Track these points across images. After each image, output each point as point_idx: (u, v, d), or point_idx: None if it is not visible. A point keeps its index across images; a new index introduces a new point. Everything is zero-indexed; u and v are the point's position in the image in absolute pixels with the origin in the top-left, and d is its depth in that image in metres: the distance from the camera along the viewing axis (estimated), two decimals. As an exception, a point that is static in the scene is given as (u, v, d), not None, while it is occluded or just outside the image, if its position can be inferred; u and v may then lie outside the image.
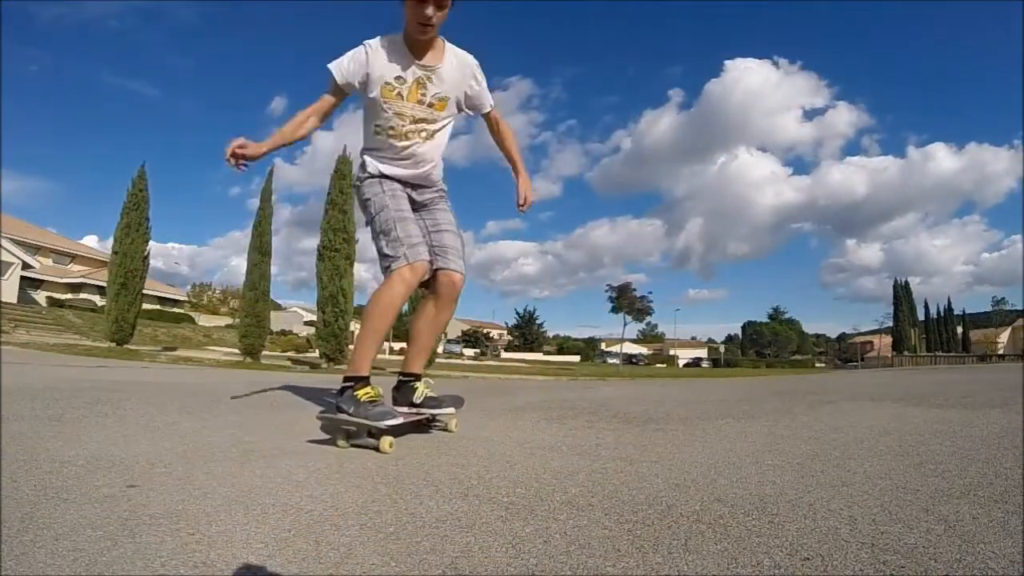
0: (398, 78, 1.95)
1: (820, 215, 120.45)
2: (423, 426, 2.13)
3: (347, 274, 10.75)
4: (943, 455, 1.74)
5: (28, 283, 28.21)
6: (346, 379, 1.93)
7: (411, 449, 1.84)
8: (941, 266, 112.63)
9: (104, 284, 15.69)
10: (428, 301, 2.14)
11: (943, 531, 1.05)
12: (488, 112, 2.22)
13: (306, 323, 41.64)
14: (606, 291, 34.38)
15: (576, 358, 57.26)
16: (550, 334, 74.56)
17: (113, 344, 12.09)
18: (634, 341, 68.47)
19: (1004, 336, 51.89)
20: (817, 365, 53.56)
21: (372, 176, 2.08)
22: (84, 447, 1.68)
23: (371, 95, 1.96)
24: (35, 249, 29.99)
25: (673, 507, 1.22)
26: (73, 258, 34.36)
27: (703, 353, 65.88)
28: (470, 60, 2.09)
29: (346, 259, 10.78)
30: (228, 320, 37.57)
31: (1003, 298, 55.81)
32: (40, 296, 29.28)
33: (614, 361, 47.92)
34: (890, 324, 49.87)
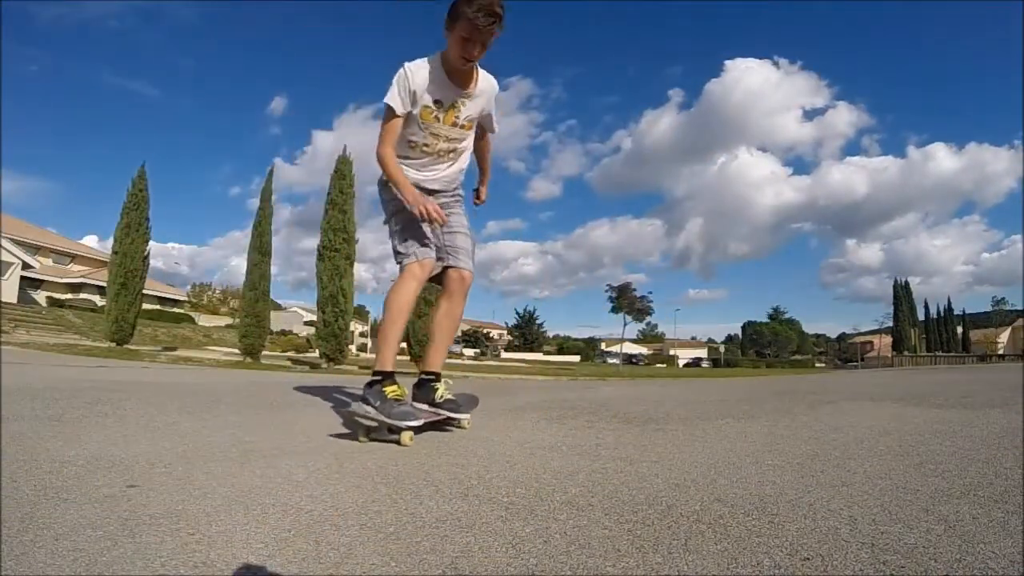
0: (437, 102, 2.10)
1: (820, 215, 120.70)
2: (440, 424, 2.22)
3: (347, 274, 10.75)
4: (943, 455, 1.74)
5: (28, 283, 28.21)
6: (374, 374, 2.08)
7: (411, 449, 1.84)
8: (941, 266, 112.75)
9: (104, 284, 15.69)
10: (441, 298, 2.31)
11: (943, 531, 1.05)
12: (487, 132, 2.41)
13: (306, 323, 41.63)
14: (606, 291, 34.46)
15: (576, 358, 57.30)
16: (550, 334, 74.62)
17: (113, 344, 12.09)
18: (634, 341, 68.48)
19: (1004, 336, 51.90)
20: (817, 365, 53.55)
21: None
22: (84, 447, 1.68)
23: (413, 112, 2.10)
24: (35, 249, 29.98)
25: (673, 507, 1.22)
26: (73, 258, 34.36)
27: (703, 353, 65.89)
28: (495, 84, 2.25)
29: (346, 259, 10.78)
30: (228, 320, 37.57)
31: (1003, 298, 55.91)
32: (40, 296, 29.27)
33: (614, 361, 47.93)
34: (890, 324, 49.87)
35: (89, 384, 3.65)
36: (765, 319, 77.27)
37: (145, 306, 16.42)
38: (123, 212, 12.40)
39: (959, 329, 51.14)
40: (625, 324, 34.74)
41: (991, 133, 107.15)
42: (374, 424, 1.93)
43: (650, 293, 49.87)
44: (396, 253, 2.18)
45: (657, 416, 2.77)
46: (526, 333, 68.35)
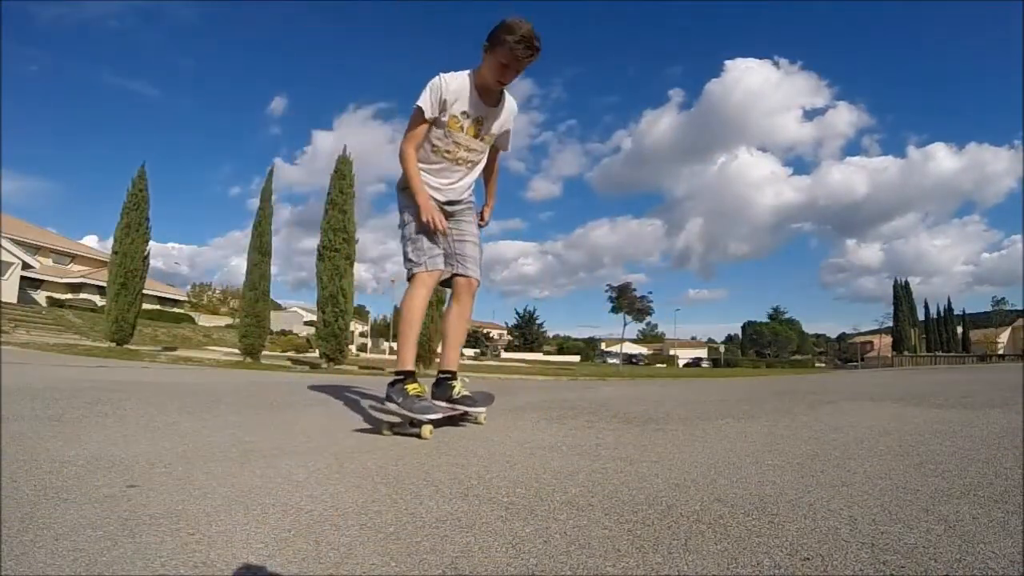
0: (464, 113, 2.25)
1: (820, 215, 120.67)
2: (457, 419, 2.35)
3: (347, 274, 10.75)
4: (943, 455, 1.74)
5: (28, 283, 28.21)
6: (397, 373, 2.22)
7: (411, 449, 1.84)
8: (941, 266, 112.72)
9: (104, 284, 15.69)
10: (451, 303, 2.49)
11: (943, 531, 1.05)
12: (499, 151, 2.56)
13: (306, 323, 41.64)
14: (606, 291, 34.49)
15: (576, 358, 57.29)
16: (550, 334, 74.61)
17: (113, 344, 12.09)
18: (634, 341, 68.48)
19: (1004, 336, 51.89)
20: (817, 365, 53.55)
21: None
22: (84, 447, 1.68)
23: (441, 119, 2.24)
24: (35, 249, 29.99)
25: (673, 507, 1.22)
26: (73, 258, 34.36)
27: (703, 353, 65.90)
28: (515, 106, 2.44)
29: (346, 259, 10.78)
30: (228, 320, 37.58)
31: (1003, 298, 55.88)
32: (40, 296, 29.28)
33: (614, 361, 47.94)
34: (890, 324, 49.87)
35: (89, 384, 3.65)
36: (765, 319, 77.29)
37: (145, 306, 16.42)
38: (123, 212, 12.40)
39: (959, 329, 51.13)
40: (625, 324, 34.79)
41: (991, 133, 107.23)
42: (397, 419, 2.09)
43: (650, 293, 49.96)
44: (407, 260, 2.31)
45: (657, 416, 2.77)
46: (526, 333, 68.35)
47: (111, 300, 12.30)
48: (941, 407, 3.02)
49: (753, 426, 2.43)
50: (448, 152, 2.30)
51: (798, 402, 3.46)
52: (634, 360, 53.72)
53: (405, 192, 2.33)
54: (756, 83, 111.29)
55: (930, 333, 50.18)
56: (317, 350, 12.18)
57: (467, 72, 2.24)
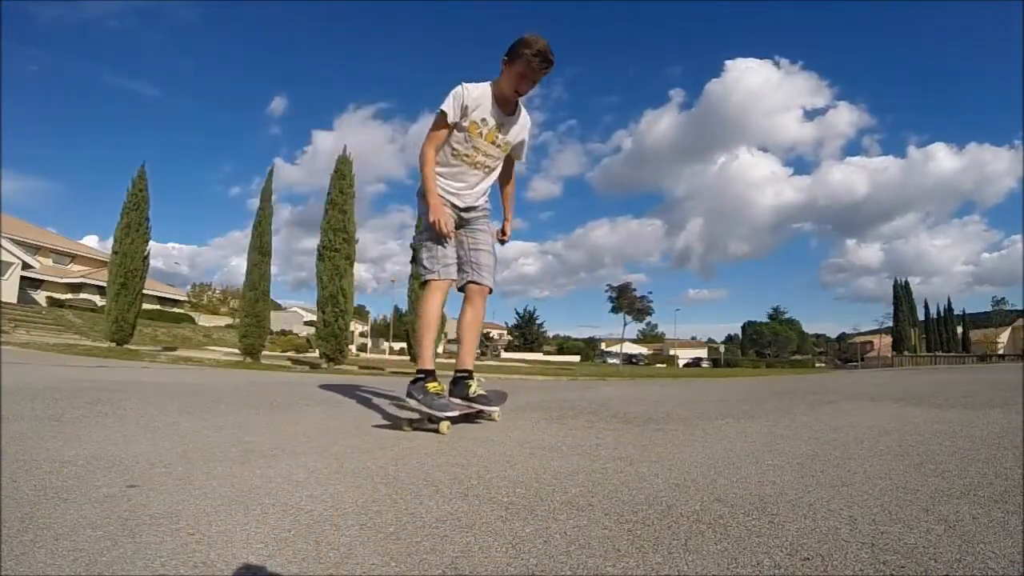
0: (483, 120, 2.40)
1: (820, 215, 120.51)
2: (473, 416, 2.45)
3: (347, 274, 10.76)
4: (943, 455, 1.74)
5: (28, 283, 28.20)
6: (418, 371, 2.36)
7: (411, 449, 1.84)
8: (941, 266, 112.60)
9: (104, 284, 15.69)
10: (466, 307, 2.59)
11: (943, 531, 1.05)
12: (514, 162, 2.70)
13: (306, 323, 41.64)
14: (606, 291, 34.45)
15: (576, 358, 57.29)
16: (550, 334, 74.61)
17: (113, 344, 12.09)
18: (634, 341, 68.47)
19: (1004, 336, 51.88)
20: (817, 365, 53.55)
21: None
22: (84, 447, 1.68)
23: (462, 124, 2.38)
24: (35, 249, 29.98)
25: (673, 507, 1.22)
26: (73, 258, 34.36)
27: (703, 353, 65.90)
28: (529, 119, 2.59)
29: (346, 259, 10.78)
30: (228, 320, 37.58)
31: (1003, 298, 55.86)
32: (40, 296, 29.27)
33: (614, 361, 47.93)
34: (890, 324, 49.85)
35: (89, 384, 3.65)
36: (765, 319, 77.28)
37: (145, 306, 16.42)
38: (123, 212, 12.41)
39: (959, 329, 51.12)
40: (625, 324, 34.76)
41: (991, 133, 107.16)
42: (417, 416, 2.22)
43: (650, 293, 49.90)
44: (422, 266, 2.45)
45: (657, 416, 2.77)
46: (526, 333, 68.35)
47: (111, 300, 12.30)
48: (941, 407, 3.02)
49: (753, 426, 2.43)
50: (467, 156, 2.44)
51: (798, 402, 3.46)
52: (634, 360, 53.70)
53: (423, 199, 2.43)
54: (756, 83, 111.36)
55: (930, 333, 50.18)
56: (317, 350, 12.18)
57: (487, 83, 2.40)
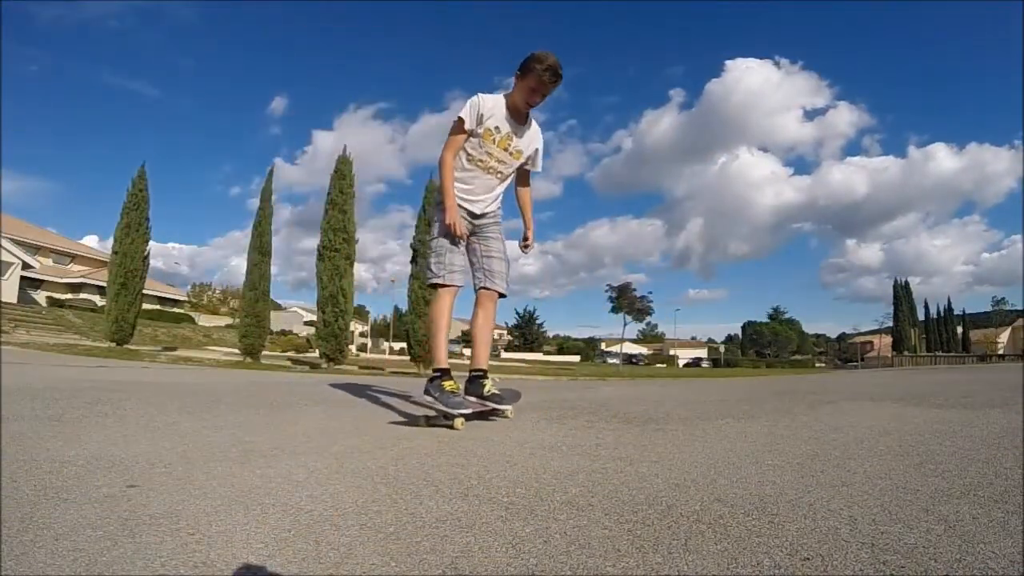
0: (496, 128, 2.54)
1: (820, 215, 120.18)
2: (487, 414, 2.55)
3: (347, 274, 10.76)
4: (943, 455, 1.74)
5: (28, 283, 28.20)
6: (435, 371, 2.46)
7: (411, 449, 1.84)
8: (941, 266, 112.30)
9: (104, 284, 15.69)
10: (477, 310, 2.69)
11: (943, 531, 1.05)
12: (530, 171, 2.81)
13: (306, 323, 41.65)
14: (606, 291, 34.40)
15: (576, 358, 57.28)
16: (550, 334, 74.60)
17: (113, 344, 12.10)
18: (634, 341, 68.44)
19: (1004, 336, 51.88)
20: (817, 365, 53.55)
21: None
22: (84, 447, 1.68)
23: (477, 131, 2.52)
24: (35, 249, 29.98)
25: (673, 507, 1.22)
26: (73, 258, 34.36)
27: (703, 353, 65.89)
28: (540, 131, 2.74)
29: (346, 259, 10.79)
30: (228, 320, 37.58)
31: (1003, 298, 55.83)
32: (40, 296, 29.27)
33: (614, 361, 47.93)
34: (890, 324, 49.83)
35: (89, 384, 3.66)
36: (765, 319, 77.27)
37: (145, 306, 16.43)
38: (123, 212, 12.41)
39: (959, 329, 51.11)
40: (625, 324, 34.70)
41: (991, 133, 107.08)
42: (433, 413, 2.35)
43: (650, 293, 49.87)
44: (429, 269, 2.57)
45: (657, 416, 2.77)
46: (526, 333, 68.33)
47: (111, 300, 12.31)
48: (941, 407, 3.02)
49: (753, 426, 2.43)
50: (481, 161, 2.58)
51: (798, 402, 3.46)
52: (634, 360, 53.70)
53: (439, 205, 2.57)
54: (757, 83, 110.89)
55: (930, 333, 50.16)
56: (317, 350, 12.18)
57: (501, 93, 2.57)
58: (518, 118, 2.59)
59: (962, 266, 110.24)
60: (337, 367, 10.36)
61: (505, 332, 71.37)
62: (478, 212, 2.62)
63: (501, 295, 2.68)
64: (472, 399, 2.47)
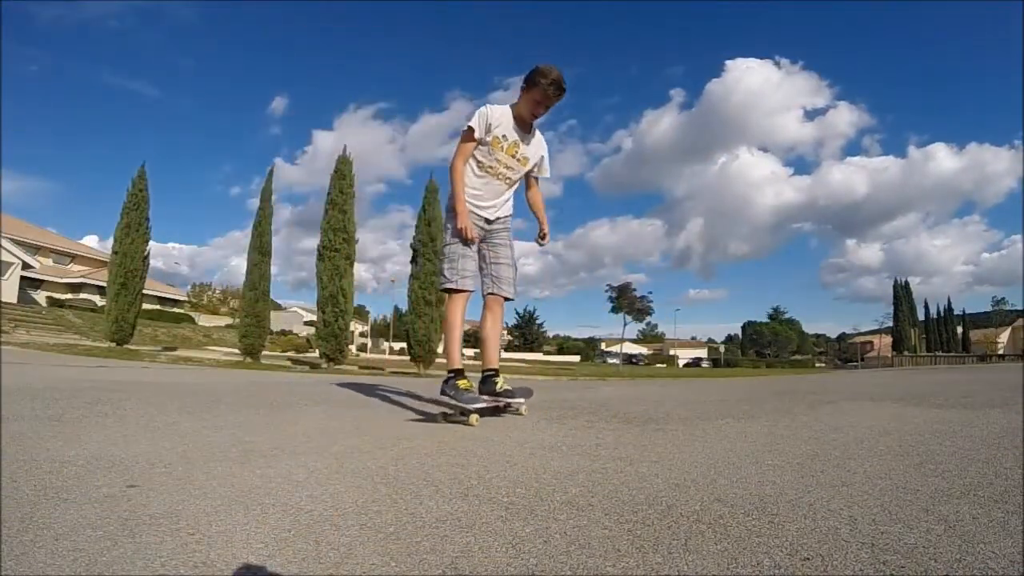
0: (504, 136, 2.68)
1: (820, 215, 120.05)
2: (500, 410, 2.68)
3: (347, 274, 10.75)
4: (943, 455, 1.74)
5: (28, 283, 28.20)
6: (449, 371, 2.60)
7: (411, 449, 1.84)
8: (941, 266, 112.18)
9: (104, 284, 15.69)
10: (486, 313, 2.82)
11: (943, 531, 1.05)
12: (538, 176, 2.95)
13: (306, 323, 41.64)
14: (606, 291, 34.41)
15: (576, 358, 57.26)
16: (550, 334, 74.59)
17: (113, 344, 12.09)
18: (634, 341, 68.45)
19: (1004, 336, 51.88)
20: (817, 365, 53.54)
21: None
22: (84, 447, 1.68)
23: (486, 139, 2.65)
24: (35, 249, 29.98)
25: (673, 507, 1.22)
26: (73, 258, 34.35)
27: (703, 353, 65.89)
28: (543, 140, 2.88)
29: (346, 259, 10.78)
30: (228, 320, 37.58)
31: (1003, 298, 55.81)
32: (40, 296, 29.27)
33: (614, 361, 47.93)
34: (890, 324, 49.83)
35: (89, 384, 3.66)
36: (765, 319, 77.27)
37: (145, 306, 16.42)
38: (123, 212, 12.41)
39: (959, 329, 51.11)
40: (625, 324, 34.71)
41: (991, 133, 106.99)
42: (450, 411, 2.52)
43: (650, 293, 49.88)
44: (442, 275, 2.70)
45: (657, 416, 2.77)
46: (526, 333, 68.31)
47: (111, 300, 12.30)
48: (941, 407, 3.02)
49: (753, 426, 2.43)
50: (491, 167, 2.71)
51: (798, 402, 3.46)
52: (634, 360, 53.69)
53: (451, 212, 2.69)
54: (757, 83, 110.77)
55: (930, 333, 50.16)
56: (317, 350, 12.18)
57: (507, 105, 2.72)
58: (523, 127, 2.72)
59: (962, 266, 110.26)
60: (337, 367, 10.36)
61: (505, 332, 71.36)
62: (491, 218, 2.75)
63: (508, 299, 2.80)
64: (485, 396, 2.60)
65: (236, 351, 12.96)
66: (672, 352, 64.62)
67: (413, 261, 10.85)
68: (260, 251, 11.65)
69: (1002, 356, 43.85)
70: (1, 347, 9.26)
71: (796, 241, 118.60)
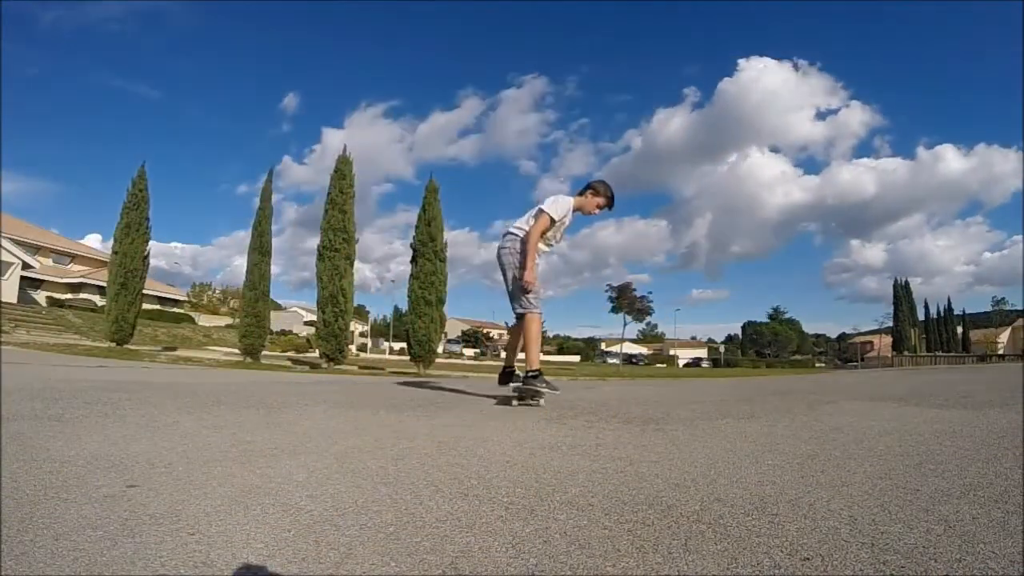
0: (563, 221, 3.54)
1: (827, 215, 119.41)
2: (532, 397, 3.30)
3: (347, 274, 10.76)
4: (943, 455, 1.74)
5: (28, 283, 28.19)
6: (531, 370, 3.26)
7: (411, 449, 1.84)
8: (943, 266, 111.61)
9: (104, 284, 15.69)
10: (518, 330, 3.54)
11: (943, 531, 1.05)
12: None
13: (306, 323, 41.64)
14: (606, 291, 34.36)
15: (576, 358, 57.27)
16: (550, 334, 74.54)
17: (113, 344, 12.10)
18: (634, 341, 68.45)
19: (1004, 336, 51.88)
20: (817, 365, 53.54)
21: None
22: (84, 447, 1.68)
23: (556, 222, 3.48)
24: (35, 249, 29.98)
25: (673, 507, 1.22)
26: (73, 258, 34.36)
27: (703, 353, 65.88)
28: None
29: (346, 259, 10.78)
30: (228, 320, 37.58)
31: (1003, 298, 55.92)
32: (40, 296, 29.27)
33: (614, 361, 47.92)
34: (890, 324, 49.84)
35: (89, 384, 3.66)
36: (765, 319, 77.29)
37: (145, 306, 16.42)
38: (123, 212, 12.42)
39: (959, 329, 51.12)
40: (625, 324, 34.66)
41: (999, 134, 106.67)
42: (517, 395, 3.33)
43: (650, 293, 49.84)
44: (528, 302, 3.39)
45: (657, 416, 2.77)
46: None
47: (111, 300, 12.31)
48: (941, 407, 3.02)
49: (753, 426, 2.43)
50: (553, 240, 3.66)
51: (798, 402, 3.46)
52: (634, 360, 53.69)
53: (522, 267, 3.39)
54: (770, 83, 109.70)
55: (930, 333, 50.17)
56: (317, 350, 12.18)
57: (572, 197, 3.61)
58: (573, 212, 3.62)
59: (963, 266, 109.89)
60: (337, 367, 10.36)
61: (505, 332, 71.38)
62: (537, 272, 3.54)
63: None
64: (549, 379, 3.38)
65: (236, 351, 12.96)
66: (672, 352, 64.63)
67: (413, 261, 10.84)
68: (260, 251, 11.66)
69: (1002, 356, 43.85)
70: (1, 347, 9.27)
71: (800, 241, 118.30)
